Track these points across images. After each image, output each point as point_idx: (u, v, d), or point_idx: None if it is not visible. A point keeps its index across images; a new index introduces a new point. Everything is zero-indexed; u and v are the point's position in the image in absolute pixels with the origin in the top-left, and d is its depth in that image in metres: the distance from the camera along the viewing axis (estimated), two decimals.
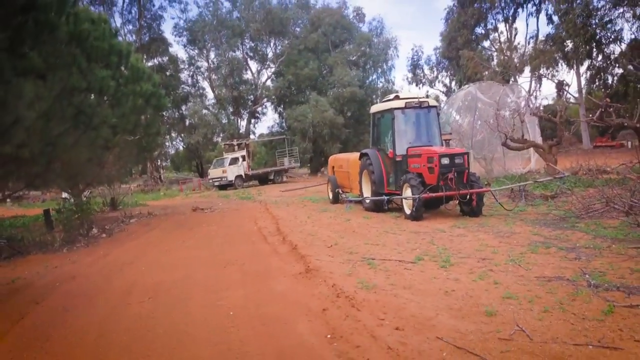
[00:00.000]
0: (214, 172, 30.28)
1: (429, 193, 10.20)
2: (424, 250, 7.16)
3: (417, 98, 12.01)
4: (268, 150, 41.45)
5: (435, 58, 49.83)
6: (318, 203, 15.28)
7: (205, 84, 43.94)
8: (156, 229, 13.14)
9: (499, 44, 40.61)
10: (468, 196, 10.17)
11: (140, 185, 34.18)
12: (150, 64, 37.26)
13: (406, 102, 11.71)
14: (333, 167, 15.63)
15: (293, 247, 7.97)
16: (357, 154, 13.84)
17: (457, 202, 10.64)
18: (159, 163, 43.76)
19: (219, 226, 12.54)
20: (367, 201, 12.37)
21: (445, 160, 10.27)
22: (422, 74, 51.16)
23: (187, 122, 40.76)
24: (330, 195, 15.00)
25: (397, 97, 12.31)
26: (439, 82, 50.98)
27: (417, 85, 51.83)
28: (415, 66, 51.15)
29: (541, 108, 18.04)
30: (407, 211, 10.62)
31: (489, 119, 18.22)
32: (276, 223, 11.58)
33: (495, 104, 17.30)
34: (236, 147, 31.51)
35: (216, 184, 29.92)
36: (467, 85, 21.53)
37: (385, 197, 10.97)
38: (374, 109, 13.09)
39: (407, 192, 10.62)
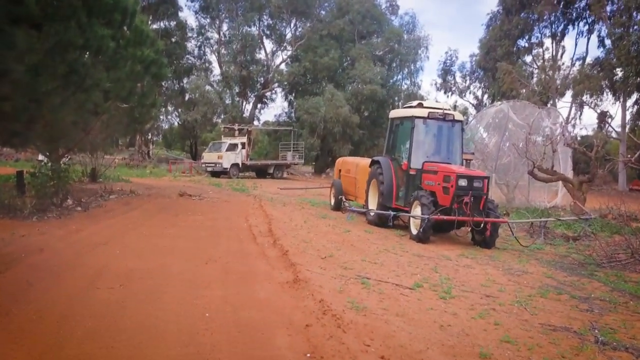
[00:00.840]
0: (208, 157, 30.48)
1: (440, 215, 10.31)
2: (425, 276, 7.27)
3: (442, 109, 12.13)
4: (271, 140, 41.66)
5: (470, 66, 50.04)
6: (318, 207, 15.42)
7: (212, 58, 44.27)
8: (137, 210, 13.29)
9: (541, 61, 40.67)
10: (482, 224, 10.27)
11: (126, 158, 34.43)
12: (155, 26, 37.48)
13: (429, 112, 11.82)
14: (340, 171, 15.76)
15: (283, 252, 8.10)
16: (368, 160, 13.98)
17: (470, 229, 10.74)
18: (149, 137, 43.94)
19: (206, 217, 12.68)
20: (372, 214, 12.49)
21: (463, 182, 10.37)
22: (452, 81, 51.36)
23: (187, 97, 40.99)
24: (332, 201, 15.13)
25: (420, 105, 12.43)
26: (470, 93, 51.19)
27: (445, 93, 52.12)
28: (446, 72, 51.36)
29: (578, 139, 18.17)
30: (414, 231, 10.74)
31: (518, 142, 18.34)
32: (269, 223, 11.71)
33: (528, 127, 17.39)
34: (237, 132, 31.70)
35: (209, 169, 30.12)
36: (499, 102, 21.67)
37: (392, 213, 11.07)
38: (394, 114, 13.22)
39: (417, 210, 10.74)
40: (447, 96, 52.05)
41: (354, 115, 37.44)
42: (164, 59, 17.95)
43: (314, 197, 18.83)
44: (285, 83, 41.59)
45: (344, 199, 14.76)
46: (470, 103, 51.88)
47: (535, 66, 42.03)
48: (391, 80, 42.54)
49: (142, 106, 18.20)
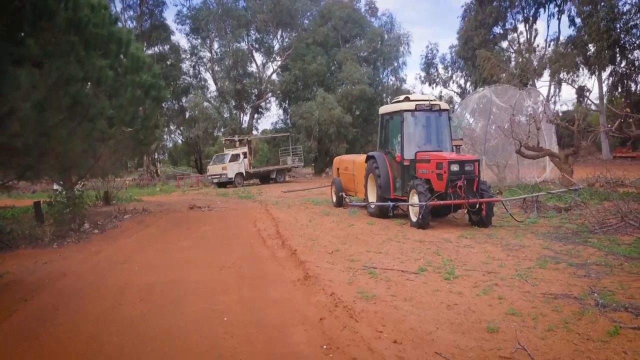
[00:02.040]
0: (213, 169, 30.47)
1: (436, 200, 10.29)
2: (428, 260, 7.25)
3: (428, 100, 12.10)
4: (271, 147, 41.65)
5: (450, 57, 50.04)
6: (321, 206, 15.41)
7: (207, 76, 44.29)
8: (151, 227, 13.28)
9: (517, 46, 40.61)
10: (477, 205, 10.25)
11: (136, 179, 34.44)
12: (150, 52, 37.51)
13: (416, 105, 11.80)
14: (338, 169, 15.74)
15: (292, 252, 8.09)
16: (364, 156, 13.95)
17: (466, 211, 10.72)
18: (155, 157, 43.97)
19: (216, 226, 12.67)
20: (372, 206, 12.48)
21: (455, 167, 10.35)
22: (435, 73, 51.32)
23: (187, 115, 41.00)
24: (334, 198, 15.11)
25: (407, 99, 12.40)
26: (453, 82, 51.17)
27: (430, 84, 52.11)
28: (429, 65, 51.34)
29: (559, 114, 18.10)
30: (413, 219, 10.72)
31: (503, 124, 18.30)
32: (276, 225, 11.70)
33: (511, 108, 17.36)
34: (237, 143, 31.68)
35: (215, 181, 30.11)
36: (481, 88, 21.60)
37: (391, 204, 11.06)
38: (383, 110, 13.19)
39: (414, 198, 10.72)
40: (432, 87, 52.08)
41: (347, 115, 37.37)
42: (161, 82, 17.94)
43: (316, 197, 18.79)
44: (278, 92, 41.59)
45: (344, 195, 14.76)
46: (455, 92, 51.89)
47: (511, 50, 41.97)
48: (377, 79, 42.44)
49: (145, 129, 18.18)
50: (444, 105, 12.39)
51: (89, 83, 12.01)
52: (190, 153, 51.59)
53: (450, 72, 51.27)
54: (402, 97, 12.70)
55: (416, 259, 7.42)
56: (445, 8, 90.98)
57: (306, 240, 9.32)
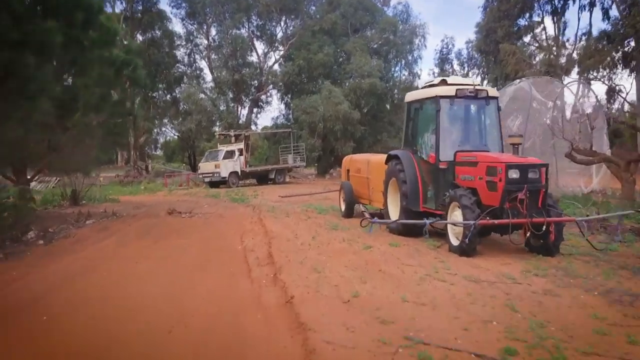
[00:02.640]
0: (205, 166, 27.85)
1: (488, 219, 7.64)
2: (507, 325, 4.59)
3: (472, 85, 9.43)
4: (270, 145, 39.03)
5: (466, 52, 47.35)
6: (326, 215, 12.77)
7: (203, 64, 41.67)
8: (112, 237, 10.67)
9: (544, 40, 37.87)
10: (544, 226, 7.58)
11: (120, 175, 31.71)
12: (141, 37, 34.96)
13: (457, 89, 9.12)
14: (348, 171, 13.12)
15: (288, 298, 5.43)
16: (382, 156, 11.31)
17: (526, 233, 7.99)
18: (146, 151, 41.38)
19: (192, 240, 10.06)
20: (396, 223, 9.75)
21: (515, 174, 7.69)
22: (450, 70, 48.58)
23: (181, 107, 38.37)
24: (343, 207, 12.47)
25: (444, 82, 9.73)
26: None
27: None
28: (443, 60, 48.64)
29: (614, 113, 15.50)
30: (454, 241, 8.07)
31: (543, 122, 15.73)
32: (268, 243, 9.07)
33: (554, 104, 14.72)
34: (233, 139, 29.07)
35: (207, 180, 27.50)
36: (518, 81, 18.93)
37: (427, 222, 8.23)
38: (411, 96, 10.49)
39: (456, 214, 8.07)
40: None
41: (354, 111, 34.74)
42: (139, 60, 15.32)
43: (320, 203, 16.13)
44: (280, 84, 38.90)
45: (362, 209, 12.06)
46: None
47: (536, 45, 39.24)
48: (389, 73, 39.77)
49: (118, 115, 15.63)
50: (492, 91, 9.75)
51: (29, 49, 9.42)
52: (184, 149, 48.98)
53: (466, 69, 48.59)
54: (437, 80, 10.03)
55: (484, 319, 4.76)
56: (456, 5, 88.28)
57: (308, 271, 6.67)
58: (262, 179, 30.10)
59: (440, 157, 9.05)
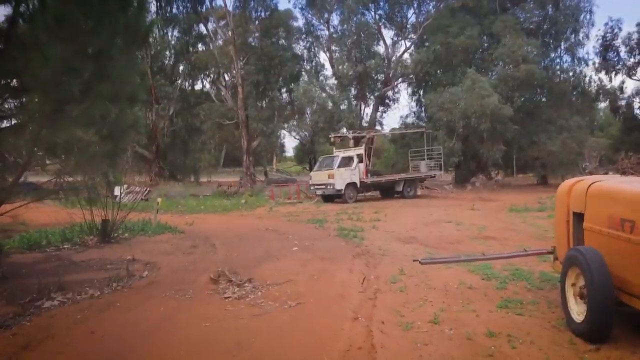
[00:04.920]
0: (317, 176, 22.66)
1: None
2: None
3: None
4: (398, 149, 32.80)
5: (637, 37, 36.46)
6: (533, 310, 6.01)
7: (323, 57, 36.73)
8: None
9: None
10: None
11: (222, 185, 27.58)
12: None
13: None
14: (578, 217, 5.24)
15: None
16: None
17: None
18: (271, 156, 37.51)
19: None
20: None
21: None
22: (616, 59, 37.91)
23: (296, 106, 33.75)
24: (580, 312, 4.65)
25: None
26: None
27: (607, 73, 38.72)
28: (606, 48, 38.06)
29: None
30: None
31: None
32: None
33: None
34: (351, 142, 23.41)
35: (319, 192, 22.17)
36: None
37: None
38: None
39: None
40: (610, 77, 38.65)
41: (505, 106, 27.24)
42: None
43: (502, 271, 7.44)
44: (411, 76, 32.63)
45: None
46: None
47: None
48: (548, 58, 31.43)
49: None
50: None
51: None
52: (309, 152, 44.81)
53: (637, 57, 37.51)
54: None
55: None
56: None
57: None
58: (387, 191, 24.17)
59: None
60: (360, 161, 22.36)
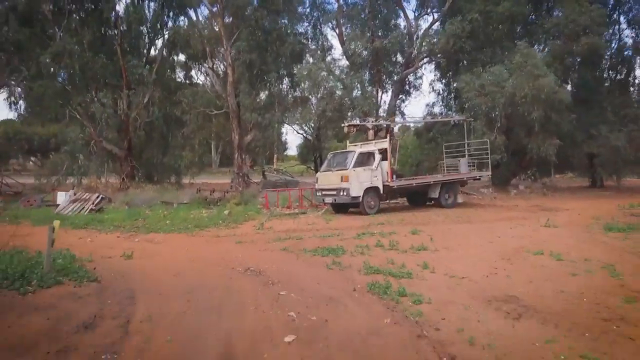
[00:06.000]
0: (325, 178, 17.02)
1: None
2: None
3: None
4: (423, 143, 27.05)
5: None
6: None
7: (330, 35, 30.97)
8: None
9: None
10: None
11: (202, 189, 21.71)
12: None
13: None
14: None
15: None
16: None
17: None
18: (258, 150, 31.79)
19: None
20: None
21: None
22: None
23: (299, 92, 28.00)
24: None
25: None
26: None
27: None
28: None
29: None
30: None
31: None
32: None
33: None
34: (371, 133, 17.69)
35: (328, 200, 16.56)
36: None
37: None
38: None
39: None
40: None
41: (562, 89, 21.55)
42: None
43: None
44: (438, 55, 26.69)
45: None
46: None
47: None
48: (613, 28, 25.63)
49: None
50: None
51: None
52: (314, 149, 38.89)
53: None
54: None
55: None
56: None
57: None
58: (416, 197, 18.45)
59: None
60: (384, 159, 16.66)
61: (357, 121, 17.69)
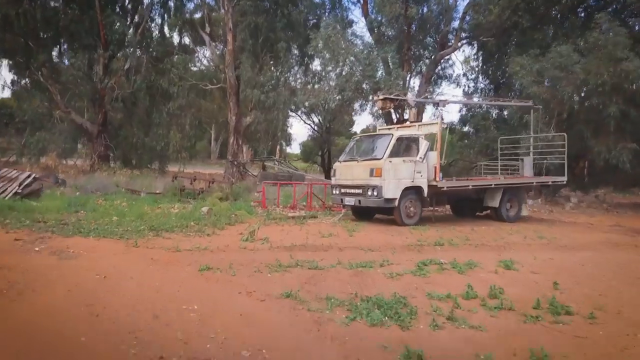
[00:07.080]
0: (345, 171, 12.26)
1: None
2: None
3: None
4: (460, 137, 22.18)
5: None
6: None
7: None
8: None
9: None
10: None
11: (194, 179, 16.87)
12: None
13: None
14: None
15: None
16: None
17: None
18: (258, 136, 26.93)
19: None
20: None
21: None
22: None
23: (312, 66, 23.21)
24: None
25: None
26: None
27: None
28: None
29: None
30: None
31: None
32: None
33: None
34: (412, 113, 12.81)
35: (348, 202, 11.76)
36: None
37: None
38: None
39: None
40: None
41: None
42: None
43: None
44: (484, 33, 21.69)
45: None
46: None
47: None
48: None
49: None
50: None
51: None
52: (322, 142, 33.66)
53: None
54: None
55: None
56: None
57: None
58: (462, 205, 13.60)
59: None
60: (431, 149, 11.82)
61: (391, 95, 12.78)
